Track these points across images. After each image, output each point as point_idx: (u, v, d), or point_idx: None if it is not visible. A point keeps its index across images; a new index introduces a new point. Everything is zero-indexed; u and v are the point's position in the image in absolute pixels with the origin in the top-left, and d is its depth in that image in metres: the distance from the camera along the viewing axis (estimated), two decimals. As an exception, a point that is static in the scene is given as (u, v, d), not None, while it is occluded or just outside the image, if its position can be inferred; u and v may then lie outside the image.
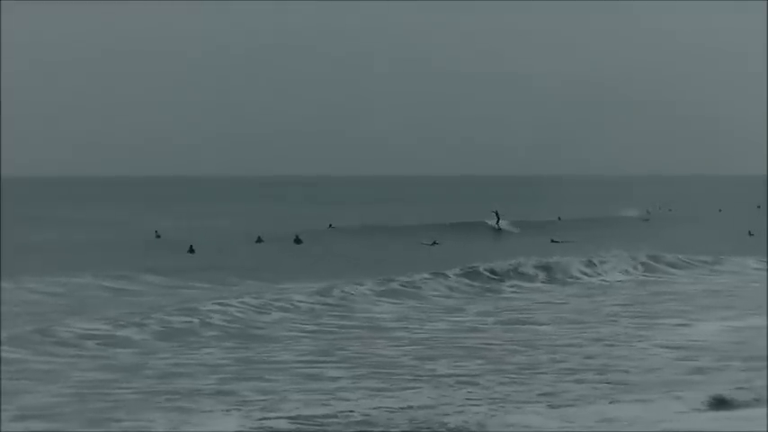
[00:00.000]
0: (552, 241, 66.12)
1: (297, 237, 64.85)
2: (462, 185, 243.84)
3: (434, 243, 65.35)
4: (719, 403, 19.39)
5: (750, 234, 71.77)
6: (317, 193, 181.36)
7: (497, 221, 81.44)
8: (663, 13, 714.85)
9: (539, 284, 42.16)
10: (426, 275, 40.93)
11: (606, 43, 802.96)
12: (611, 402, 19.66)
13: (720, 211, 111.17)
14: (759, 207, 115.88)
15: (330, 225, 78.81)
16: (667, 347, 26.44)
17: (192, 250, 56.06)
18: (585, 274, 44.79)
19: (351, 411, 18.89)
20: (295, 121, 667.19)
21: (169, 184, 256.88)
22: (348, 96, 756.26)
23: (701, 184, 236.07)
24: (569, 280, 43.56)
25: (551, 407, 19.44)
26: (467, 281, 41.27)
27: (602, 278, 44.48)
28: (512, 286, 41.49)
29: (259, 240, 64.44)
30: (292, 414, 18.67)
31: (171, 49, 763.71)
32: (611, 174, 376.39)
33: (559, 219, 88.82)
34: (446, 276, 41.25)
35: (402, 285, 38.65)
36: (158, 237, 67.89)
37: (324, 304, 33.92)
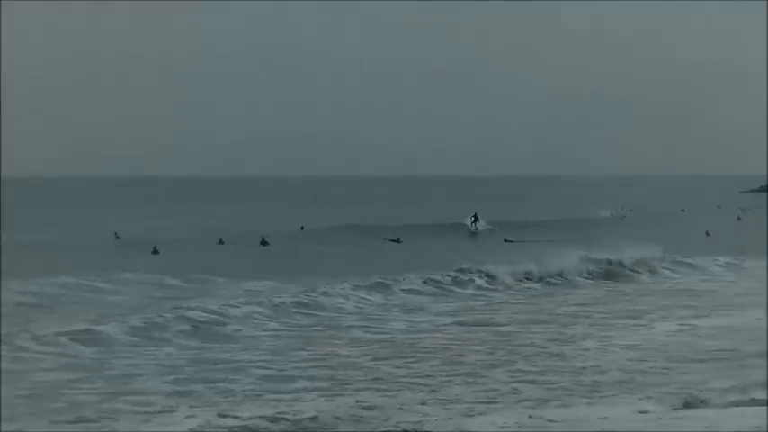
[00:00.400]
0: (505, 241, 66.49)
1: (263, 239, 64.49)
2: (461, 186, 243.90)
3: (398, 240, 65.58)
4: (683, 404, 19.63)
5: (707, 234, 72.33)
6: (313, 194, 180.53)
7: (474, 222, 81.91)
8: (663, 13, 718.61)
9: (500, 285, 42.15)
10: (389, 275, 40.97)
11: (606, 43, 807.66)
12: (562, 406, 19.79)
13: (683, 210, 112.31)
14: (719, 207, 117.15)
15: (302, 227, 78.16)
16: (627, 347, 26.66)
17: (155, 251, 55.82)
18: (545, 274, 44.80)
19: (303, 412, 18.95)
20: (295, 122, 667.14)
21: (167, 185, 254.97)
22: (348, 97, 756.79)
23: (697, 184, 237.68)
24: (530, 280, 43.64)
25: (508, 407, 19.57)
26: (430, 280, 41.31)
27: (562, 278, 44.69)
28: (473, 286, 41.52)
29: (221, 242, 64.07)
30: (247, 414, 18.73)
31: (171, 48, 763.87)
32: (612, 174, 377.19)
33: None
34: (408, 276, 41.26)
35: (366, 285, 38.57)
36: (118, 238, 67.52)
37: (285, 304, 33.83)
